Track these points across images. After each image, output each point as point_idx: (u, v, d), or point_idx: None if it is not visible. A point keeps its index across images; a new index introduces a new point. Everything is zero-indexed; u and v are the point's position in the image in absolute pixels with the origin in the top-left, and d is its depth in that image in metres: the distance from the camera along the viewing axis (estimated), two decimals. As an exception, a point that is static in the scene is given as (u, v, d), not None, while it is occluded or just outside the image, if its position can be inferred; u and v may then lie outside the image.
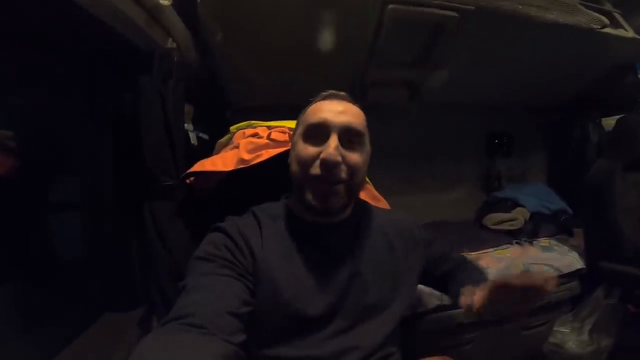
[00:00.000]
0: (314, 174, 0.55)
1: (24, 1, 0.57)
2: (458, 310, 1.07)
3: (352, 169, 0.56)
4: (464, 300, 0.57)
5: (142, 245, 0.77)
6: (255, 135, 0.82)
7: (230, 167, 0.75)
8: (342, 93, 0.63)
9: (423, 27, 1.05)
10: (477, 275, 0.68)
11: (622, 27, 1.17)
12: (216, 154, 0.89)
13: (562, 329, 1.13)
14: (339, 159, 0.54)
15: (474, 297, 0.55)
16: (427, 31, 1.07)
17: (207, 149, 0.98)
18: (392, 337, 0.61)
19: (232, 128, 0.90)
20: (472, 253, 1.20)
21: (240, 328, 0.46)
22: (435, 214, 1.30)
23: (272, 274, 0.55)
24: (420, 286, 0.69)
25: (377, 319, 0.59)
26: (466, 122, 1.52)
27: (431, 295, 1.03)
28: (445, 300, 1.04)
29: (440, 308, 1.04)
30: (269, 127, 0.83)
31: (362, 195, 0.82)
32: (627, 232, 1.07)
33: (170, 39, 0.79)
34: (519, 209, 1.46)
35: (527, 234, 1.42)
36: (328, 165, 0.54)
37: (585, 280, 1.22)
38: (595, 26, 1.07)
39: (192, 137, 0.98)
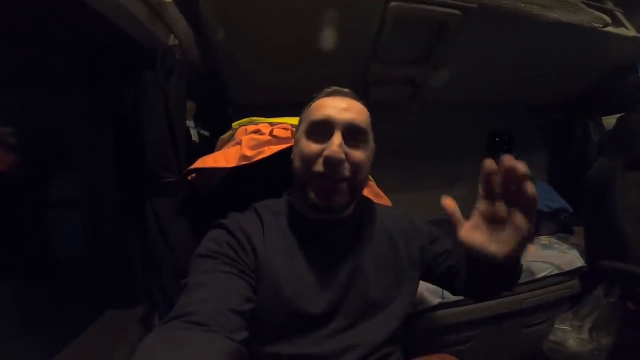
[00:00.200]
0: (317, 172, 0.55)
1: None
2: (459, 308, 1.07)
3: (355, 166, 0.56)
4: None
5: (144, 243, 0.77)
6: (257, 131, 0.81)
7: (232, 163, 0.74)
8: (346, 89, 0.62)
9: (426, 25, 1.05)
10: None
11: (623, 26, 1.17)
12: (218, 150, 0.88)
13: (563, 327, 1.14)
14: (343, 156, 0.54)
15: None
16: (429, 29, 1.07)
17: (209, 146, 0.98)
18: (394, 334, 0.61)
19: (234, 124, 0.89)
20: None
21: (243, 325, 0.46)
22: (436, 212, 1.29)
23: (273, 271, 0.55)
24: (421, 283, 0.69)
25: (379, 317, 0.59)
26: (467, 120, 1.52)
27: (432, 293, 1.04)
28: (446, 298, 1.04)
29: (440, 306, 1.05)
30: (271, 124, 0.83)
31: (365, 192, 0.82)
32: (627, 231, 1.07)
33: (172, 36, 0.79)
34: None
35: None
36: (332, 163, 0.54)
37: (585, 279, 1.23)
38: (597, 25, 1.07)
39: (194, 133, 0.97)
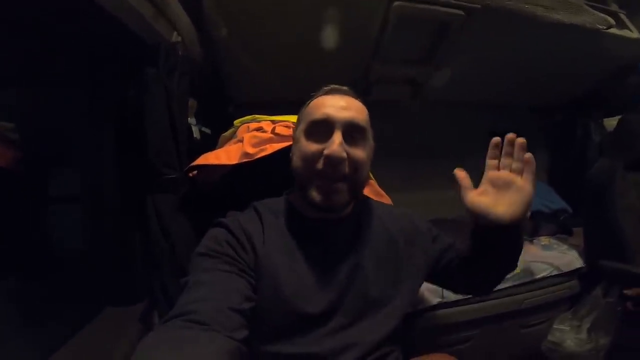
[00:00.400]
0: (318, 171, 0.55)
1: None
2: (458, 308, 1.08)
3: (356, 164, 0.56)
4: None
5: (144, 240, 0.77)
6: (259, 129, 0.81)
7: (234, 160, 0.74)
8: (344, 87, 0.62)
9: (428, 25, 1.05)
10: None
11: (627, 27, 1.17)
12: (220, 147, 0.88)
13: (561, 327, 1.14)
14: (344, 155, 0.54)
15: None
16: (432, 29, 1.07)
17: (210, 144, 0.98)
18: (393, 334, 0.61)
19: (236, 122, 0.89)
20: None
21: (243, 324, 0.46)
22: (437, 211, 1.30)
23: (273, 271, 0.55)
24: None
25: (378, 315, 0.59)
26: (469, 120, 1.52)
27: (432, 292, 1.04)
28: (446, 297, 1.05)
29: (440, 305, 1.05)
30: (273, 122, 0.83)
31: (366, 191, 0.82)
32: (627, 231, 1.08)
33: (175, 33, 0.79)
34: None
35: (527, 232, 1.43)
36: (333, 162, 0.53)
37: (584, 279, 1.23)
38: (601, 26, 1.07)
39: (195, 131, 0.97)
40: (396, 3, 0.94)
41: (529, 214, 0.53)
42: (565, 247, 1.32)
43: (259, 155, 0.74)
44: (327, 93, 0.61)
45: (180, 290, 0.49)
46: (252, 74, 1.15)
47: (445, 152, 1.54)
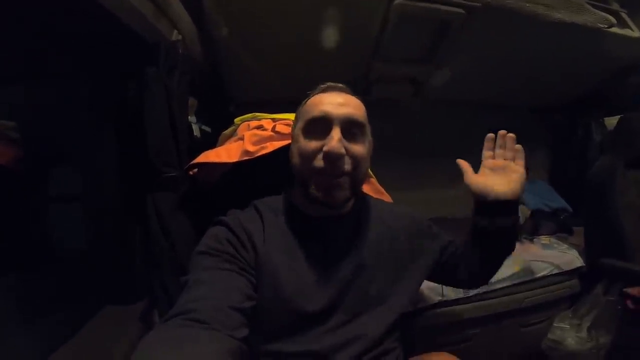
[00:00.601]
0: (317, 168, 0.55)
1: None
2: (459, 306, 1.08)
3: (355, 160, 0.56)
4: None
5: (144, 239, 0.77)
6: (259, 127, 0.81)
7: (234, 158, 0.74)
8: (341, 84, 0.62)
9: (429, 24, 1.04)
10: None
11: (628, 27, 1.17)
12: (220, 146, 0.88)
13: (561, 325, 1.14)
14: (343, 151, 0.54)
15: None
16: (433, 28, 1.06)
17: (210, 142, 0.97)
18: (393, 330, 0.61)
19: (236, 120, 0.89)
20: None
21: (243, 323, 0.46)
22: (438, 210, 1.30)
23: (273, 269, 0.55)
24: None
25: (378, 311, 0.59)
26: (469, 119, 1.51)
27: (432, 291, 1.04)
28: (446, 296, 1.05)
29: (440, 304, 1.05)
30: (273, 120, 0.83)
31: (366, 189, 0.82)
32: (627, 229, 1.08)
33: (175, 32, 0.79)
34: (519, 206, 1.47)
35: (527, 231, 1.43)
36: (332, 158, 0.53)
37: (584, 278, 1.23)
38: (602, 26, 1.06)
39: (195, 129, 0.97)
40: (397, 2, 0.93)
41: (522, 193, 0.63)
42: (565, 246, 1.32)
43: (259, 153, 0.73)
44: (324, 90, 0.61)
45: (180, 289, 0.49)
46: (252, 73, 1.15)
47: (445, 151, 1.53)
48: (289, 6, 0.93)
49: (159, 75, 0.72)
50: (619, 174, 1.13)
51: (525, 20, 1.00)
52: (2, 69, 0.78)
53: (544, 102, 1.63)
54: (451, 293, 1.05)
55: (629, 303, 0.98)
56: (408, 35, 1.06)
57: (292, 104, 0.69)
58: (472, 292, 1.08)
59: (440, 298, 1.04)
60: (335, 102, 0.57)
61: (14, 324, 0.69)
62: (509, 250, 0.68)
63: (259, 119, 0.85)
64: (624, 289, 1.00)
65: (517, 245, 1.32)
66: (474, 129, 1.57)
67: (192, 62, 0.83)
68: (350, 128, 0.57)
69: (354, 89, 0.63)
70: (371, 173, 0.86)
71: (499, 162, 0.64)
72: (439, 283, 0.78)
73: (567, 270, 1.22)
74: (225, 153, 0.76)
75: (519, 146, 0.65)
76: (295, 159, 0.59)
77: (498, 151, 0.65)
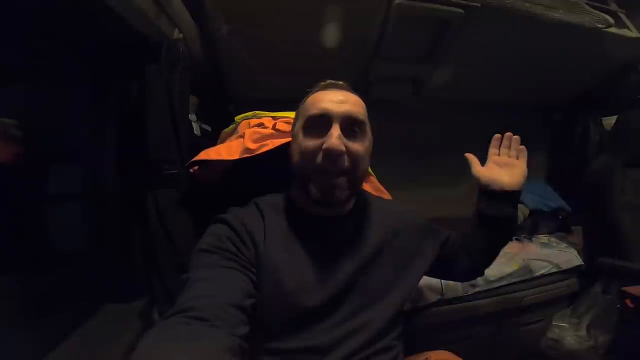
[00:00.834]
0: (317, 165, 0.55)
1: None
2: (458, 305, 1.08)
3: (355, 158, 0.56)
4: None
5: (145, 236, 0.77)
6: (260, 125, 0.81)
7: (235, 156, 0.74)
8: (340, 82, 0.63)
9: (429, 23, 1.05)
10: None
11: (626, 27, 1.18)
12: (220, 143, 0.88)
13: (560, 324, 1.14)
14: (343, 148, 0.54)
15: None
16: (432, 27, 1.07)
17: (211, 140, 0.98)
18: (393, 327, 0.61)
19: (237, 118, 0.89)
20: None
21: (244, 320, 0.46)
22: (437, 210, 1.30)
23: (274, 267, 0.55)
24: (420, 280, 0.70)
25: (377, 308, 0.59)
26: (469, 118, 1.52)
27: (431, 290, 1.04)
28: (446, 294, 1.05)
29: (440, 302, 1.05)
30: (274, 118, 0.83)
31: (366, 187, 0.82)
32: (626, 228, 1.08)
33: (176, 30, 0.79)
34: (518, 205, 1.48)
35: (526, 230, 1.44)
36: (331, 155, 0.53)
37: (583, 276, 1.24)
38: (600, 25, 1.07)
39: (196, 127, 0.97)
40: (396, 2, 0.94)
41: (523, 185, 0.68)
42: (564, 245, 1.32)
43: (260, 151, 0.73)
44: (323, 88, 0.61)
45: (180, 287, 0.49)
46: (252, 72, 1.15)
47: (445, 151, 1.54)
48: (289, 5, 0.93)
49: (160, 73, 0.72)
50: (617, 173, 1.13)
51: (523, 20, 1.00)
52: (4, 67, 0.78)
53: (542, 101, 1.63)
54: (451, 292, 1.05)
55: (628, 302, 0.99)
56: (408, 35, 1.06)
57: (292, 103, 0.69)
58: (472, 291, 1.08)
59: (439, 296, 1.04)
60: (335, 100, 0.57)
61: (14, 322, 0.69)
62: (508, 238, 0.71)
63: (260, 117, 0.85)
64: (623, 288, 1.00)
65: (516, 244, 1.33)
66: (473, 128, 1.58)
67: (192, 60, 0.84)
68: (350, 125, 0.57)
69: (354, 89, 0.63)
70: (371, 171, 0.86)
71: (504, 158, 0.70)
72: (436, 277, 0.79)
73: (566, 269, 1.22)
74: (226, 150, 0.76)
75: (522, 147, 0.70)
76: (296, 157, 0.59)
77: (503, 150, 0.71)
